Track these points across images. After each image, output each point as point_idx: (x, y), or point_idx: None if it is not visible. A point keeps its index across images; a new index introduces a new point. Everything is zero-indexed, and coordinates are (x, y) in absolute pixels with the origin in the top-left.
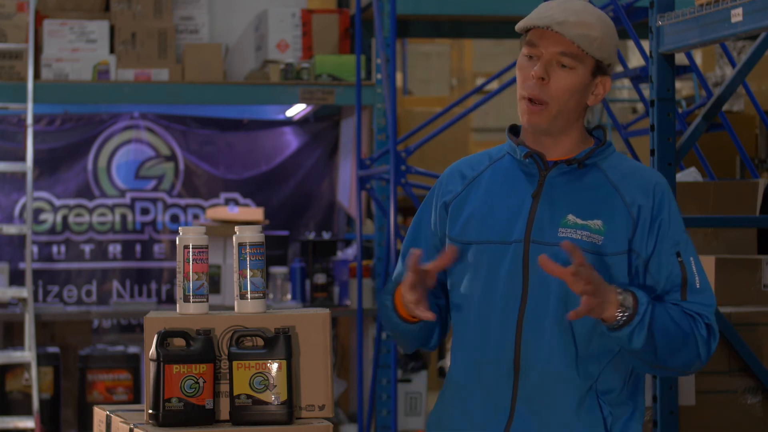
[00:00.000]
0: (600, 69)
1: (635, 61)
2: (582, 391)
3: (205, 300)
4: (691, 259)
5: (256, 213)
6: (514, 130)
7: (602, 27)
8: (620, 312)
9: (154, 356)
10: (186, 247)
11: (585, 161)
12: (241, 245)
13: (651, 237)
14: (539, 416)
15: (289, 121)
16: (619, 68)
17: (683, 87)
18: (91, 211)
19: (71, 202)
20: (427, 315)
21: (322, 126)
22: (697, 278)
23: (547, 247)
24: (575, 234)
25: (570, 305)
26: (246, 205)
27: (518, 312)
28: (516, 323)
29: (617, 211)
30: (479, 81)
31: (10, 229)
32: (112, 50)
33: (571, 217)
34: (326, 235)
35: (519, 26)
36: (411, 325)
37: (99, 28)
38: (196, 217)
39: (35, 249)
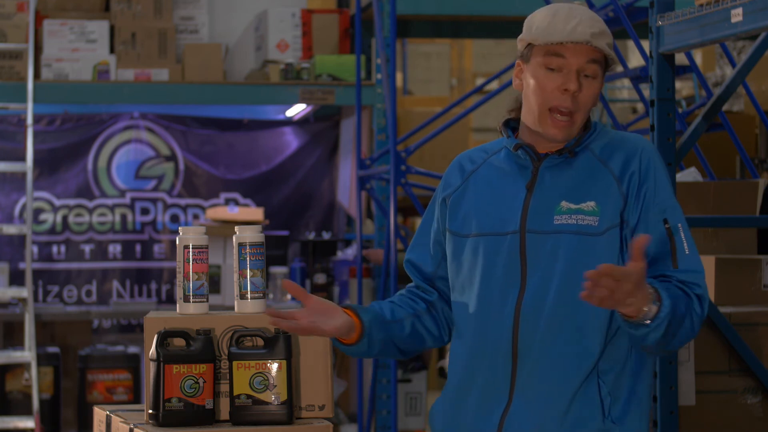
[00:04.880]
0: (606, 69)
1: (635, 61)
2: (580, 374)
3: (205, 300)
4: (679, 225)
5: (256, 213)
6: (509, 124)
7: (607, 29)
8: (643, 314)
9: (154, 356)
10: (186, 247)
11: (575, 149)
12: (241, 245)
13: (637, 204)
14: (536, 401)
15: (289, 121)
16: (619, 68)
17: (683, 87)
18: (91, 211)
19: (71, 202)
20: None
21: (322, 126)
22: (685, 244)
23: (544, 236)
24: (570, 219)
25: (569, 292)
26: (246, 205)
27: (516, 300)
28: (514, 311)
29: (608, 187)
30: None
31: (10, 229)
32: (112, 50)
33: (564, 204)
34: (326, 235)
35: (542, 41)
36: (354, 346)
37: (99, 28)
38: (196, 217)
39: (35, 249)
